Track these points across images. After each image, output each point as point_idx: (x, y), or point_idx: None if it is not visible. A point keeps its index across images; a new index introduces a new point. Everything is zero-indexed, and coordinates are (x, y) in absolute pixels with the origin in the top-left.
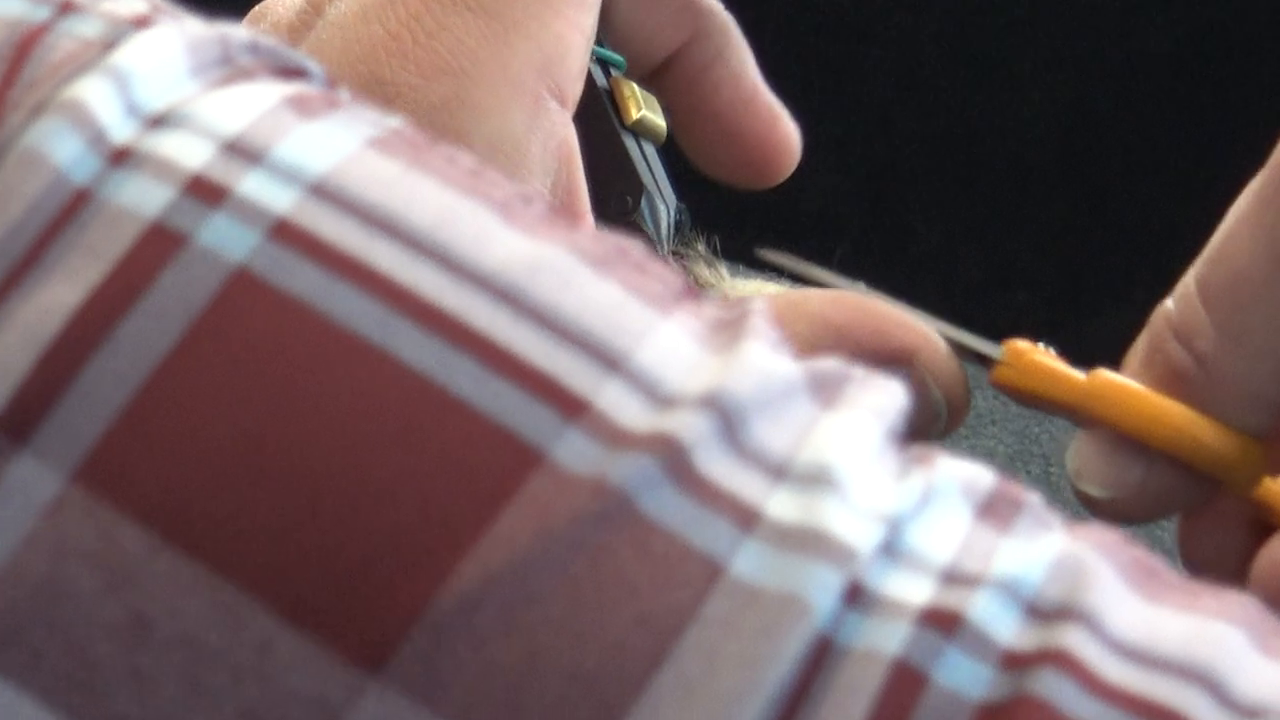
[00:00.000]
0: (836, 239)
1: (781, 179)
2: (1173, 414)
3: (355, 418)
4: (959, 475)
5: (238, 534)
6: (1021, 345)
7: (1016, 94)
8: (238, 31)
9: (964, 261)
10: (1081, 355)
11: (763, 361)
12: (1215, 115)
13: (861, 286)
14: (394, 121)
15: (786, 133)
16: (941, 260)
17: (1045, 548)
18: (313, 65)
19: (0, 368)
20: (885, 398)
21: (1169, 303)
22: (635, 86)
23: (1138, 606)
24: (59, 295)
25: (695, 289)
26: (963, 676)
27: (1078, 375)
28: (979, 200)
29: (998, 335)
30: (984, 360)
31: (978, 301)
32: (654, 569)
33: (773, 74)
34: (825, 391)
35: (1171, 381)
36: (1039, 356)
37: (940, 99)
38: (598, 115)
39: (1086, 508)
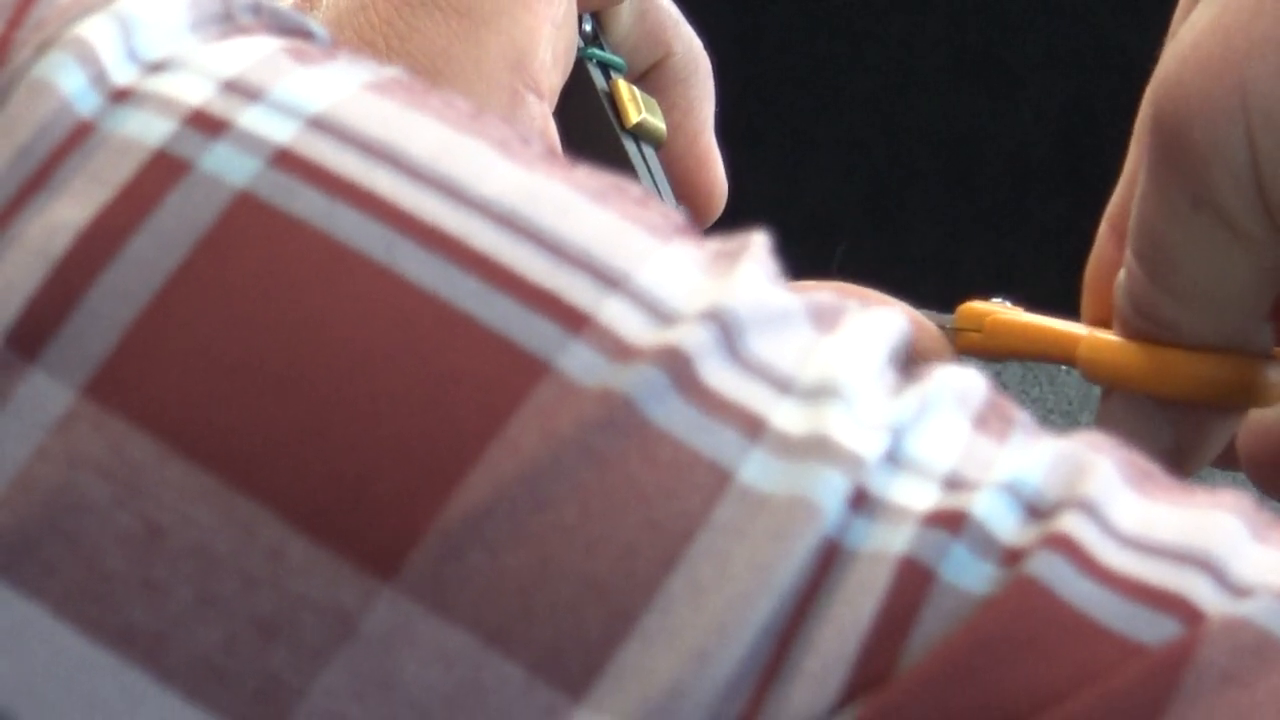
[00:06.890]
0: (836, 239)
1: (701, 223)
2: (1180, 363)
3: (360, 331)
4: (953, 385)
5: (246, 445)
6: (978, 307)
7: (1016, 94)
8: None
9: (964, 261)
10: None
11: (761, 284)
12: None
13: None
14: (391, 70)
15: (715, 179)
16: (941, 260)
17: (1043, 450)
18: (316, 27)
19: (10, 284)
20: (884, 324)
21: (1120, 275)
22: (636, 90)
23: (1136, 500)
24: (67, 215)
25: (696, 228)
26: (968, 573)
27: (1054, 324)
28: (979, 200)
29: None
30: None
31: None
32: (662, 476)
33: (773, 74)
34: (824, 318)
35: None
36: (1007, 314)
37: (940, 99)
38: (598, 118)
39: None
